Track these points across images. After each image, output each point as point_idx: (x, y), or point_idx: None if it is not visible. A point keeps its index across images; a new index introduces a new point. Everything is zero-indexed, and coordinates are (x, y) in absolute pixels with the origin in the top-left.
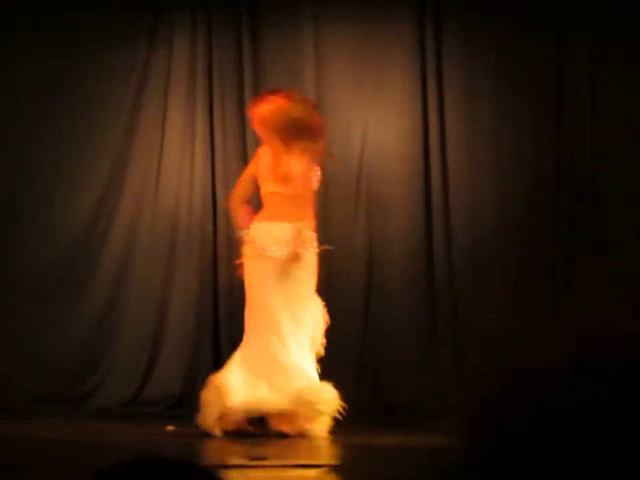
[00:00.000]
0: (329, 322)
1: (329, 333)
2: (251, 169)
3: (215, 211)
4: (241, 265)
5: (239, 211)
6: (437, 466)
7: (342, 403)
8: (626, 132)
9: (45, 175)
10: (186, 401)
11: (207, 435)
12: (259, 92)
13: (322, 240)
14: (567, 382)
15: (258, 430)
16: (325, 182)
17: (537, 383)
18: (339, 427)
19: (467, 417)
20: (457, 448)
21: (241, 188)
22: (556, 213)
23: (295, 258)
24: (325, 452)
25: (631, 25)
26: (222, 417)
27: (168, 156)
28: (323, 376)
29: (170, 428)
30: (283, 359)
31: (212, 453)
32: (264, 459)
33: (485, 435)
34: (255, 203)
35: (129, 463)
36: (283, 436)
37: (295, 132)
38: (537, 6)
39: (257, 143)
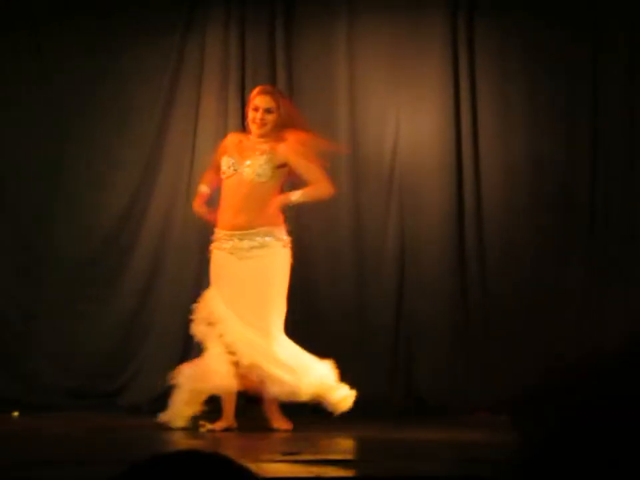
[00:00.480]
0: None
1: (362, 328)
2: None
3: None
4: None
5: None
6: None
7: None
8: None
9: (78, 171)
10: (216, 397)
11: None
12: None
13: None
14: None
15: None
16: (357, 177)
17: (602, 366)
18: (371, 421)
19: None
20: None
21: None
22: (591, 205)
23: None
24: (357, 447)
25: None
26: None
27: (201, 151)
28: (355, 370)
29: (202, 424)
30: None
31: (244, 448)
32: (296, 453)
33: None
34: None
35: (162, 457)
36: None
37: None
38: None
39: None
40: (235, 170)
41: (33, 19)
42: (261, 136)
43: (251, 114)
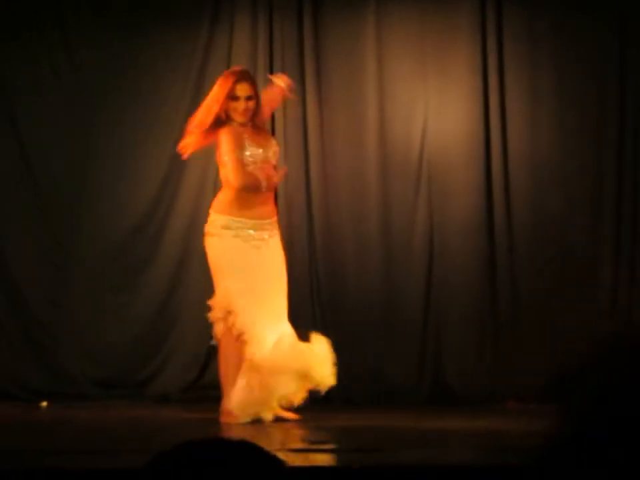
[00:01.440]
0: None
1: (391, 318)
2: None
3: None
4: None
5: None
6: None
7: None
8: None
9: (105, 162)
10: None
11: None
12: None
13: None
14: None
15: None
16: (385, 170)
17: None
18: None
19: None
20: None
21: None
22: (619, 197)
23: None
24: (385, 436)
25: None
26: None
27: None
28: (383, 360)
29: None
30: None
31: (272, 437)
32: (324, 442)
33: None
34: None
35: (189, 444)
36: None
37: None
38: None
39: (319, 124)
40: (264, 162)
41: (60, 10)
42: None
43: (234, 103)
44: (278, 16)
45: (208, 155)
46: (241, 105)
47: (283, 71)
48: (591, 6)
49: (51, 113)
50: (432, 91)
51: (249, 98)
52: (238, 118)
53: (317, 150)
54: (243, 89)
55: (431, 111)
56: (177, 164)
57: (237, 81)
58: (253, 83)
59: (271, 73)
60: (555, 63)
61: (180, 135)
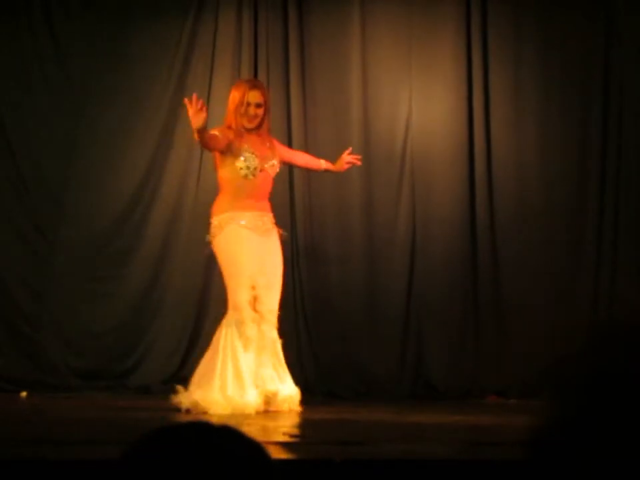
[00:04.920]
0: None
1: (373, 313)
2: None
3: None
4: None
5: None
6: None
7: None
8: None
9: (90, 151)
10: None
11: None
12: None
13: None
14: None
15: None
16: (369, 163)
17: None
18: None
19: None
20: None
21: None
22: (601, 195)
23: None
24: (366, 430)
25: None
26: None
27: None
28: (366, 354)
29: None
30: None
31: (252, 429)
32: (302, 437)
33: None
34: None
35: (172, 428)
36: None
37: None
38: None
39: (302, 119)
40: (260, 170)
41: (47, 2)
42: (252, 131)
43: (244, 108)
44: (263, 9)
45: (191, 147)
46: (250, 111)
47: (267, 64)
48: (576, 6)
49: (37, 103)
50: (416, 86)
51: (258, 105)
52: (246, 123)
53: (300, 144)
54: (254, 96)
55: (414, 107)
56: (160, 154)
57: (249, 88)
58: (265, 92)
59: (255, 65)
60: (539, 60)
61: (163, 126)
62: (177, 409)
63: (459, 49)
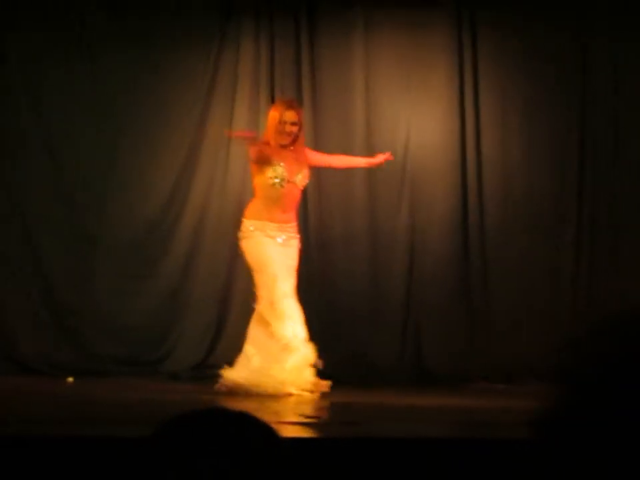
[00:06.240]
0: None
1: (375, 306)
2: None
3: None
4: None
5: None
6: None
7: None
8: None
9: (126, 163)
10: None
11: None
12: (285, 96)
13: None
14: None
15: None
16: (372, 176)
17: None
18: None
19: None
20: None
21: None
22: (579, 211)
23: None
24: (368, 411)
25: None
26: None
27: (234, 147)
28: (370, 344)
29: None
30: None
31: (269, 411)
32: (317, 417)
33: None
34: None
35: (189, 415)
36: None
37: None
38: (562, 5)
39: (313, 134)
40: (288, 181)
41: (82, 20)
42: (287, 146)
43: (281, 126)
44: (279, 41)
45: (216, 158)
46: (286, 129)
47: (282, 87)
48: (558, 28)
49: (80, 118)
50: (414, 107)
51: (293, 124)
52: (280, 140)
53: None
54: (290, 116)
55: (413, 124)
56: (189, 166)
57: (286, 109)
58: (299, 111)
59: (272, 86)
60: (525, 79)
61: (191, 141)
62: (206, 392)
63: (453, 73)
